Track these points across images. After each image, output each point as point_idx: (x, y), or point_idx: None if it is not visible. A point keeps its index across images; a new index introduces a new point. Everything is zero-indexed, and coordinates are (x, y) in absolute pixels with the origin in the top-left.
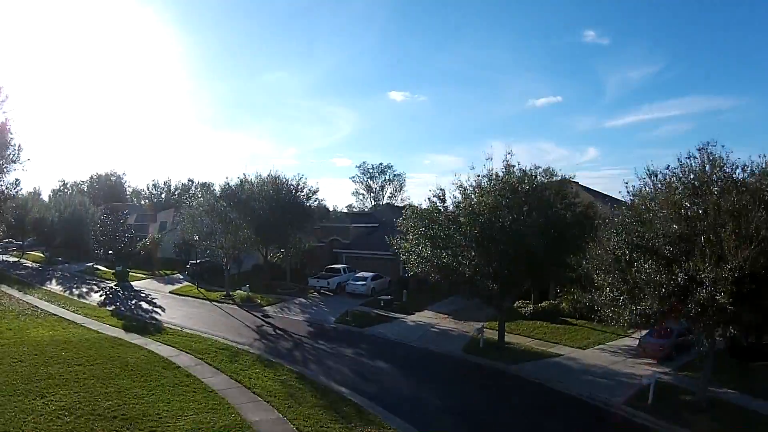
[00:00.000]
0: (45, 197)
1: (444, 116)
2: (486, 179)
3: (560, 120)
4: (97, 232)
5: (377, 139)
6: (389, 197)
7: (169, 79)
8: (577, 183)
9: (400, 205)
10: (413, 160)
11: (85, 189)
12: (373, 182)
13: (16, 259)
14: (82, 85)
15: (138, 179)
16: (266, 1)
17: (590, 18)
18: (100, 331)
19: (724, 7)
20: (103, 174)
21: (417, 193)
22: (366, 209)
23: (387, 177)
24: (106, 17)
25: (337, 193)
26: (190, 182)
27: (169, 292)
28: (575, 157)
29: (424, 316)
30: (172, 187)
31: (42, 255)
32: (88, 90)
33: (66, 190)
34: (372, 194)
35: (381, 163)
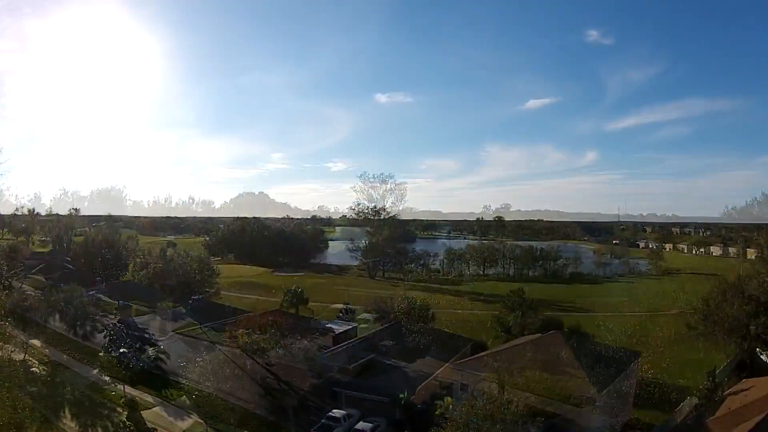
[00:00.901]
0: (46, 202)
1: (442, 119)
2: None
3: (559, 122)
4: (98, 266)
5: (374, 143)
6: (390, 205)
7: (166, 83)
8: (577, 225)
9: (401, 207)
10: (411, 164)
11: (86, 204)
12: (374, 191)
13: (20, 285)
14: (82, 88)
15: (138, 187)
16: (264, 2)
17: (593, 18)
18: (107, 389)
19: (726, 9)
20: (104, 188)
21: (415, 198)
22: (367, 211)
23: (388, 186)
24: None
25: (334, 196)
26: (191, 200)
27: (173, 331)
28: (573, 160)
29: None
30: (173, 204)
31: (44, 281)
32: (88, 93)
33: (66, 199)
34: (372, 203)
35: (382, 173)
